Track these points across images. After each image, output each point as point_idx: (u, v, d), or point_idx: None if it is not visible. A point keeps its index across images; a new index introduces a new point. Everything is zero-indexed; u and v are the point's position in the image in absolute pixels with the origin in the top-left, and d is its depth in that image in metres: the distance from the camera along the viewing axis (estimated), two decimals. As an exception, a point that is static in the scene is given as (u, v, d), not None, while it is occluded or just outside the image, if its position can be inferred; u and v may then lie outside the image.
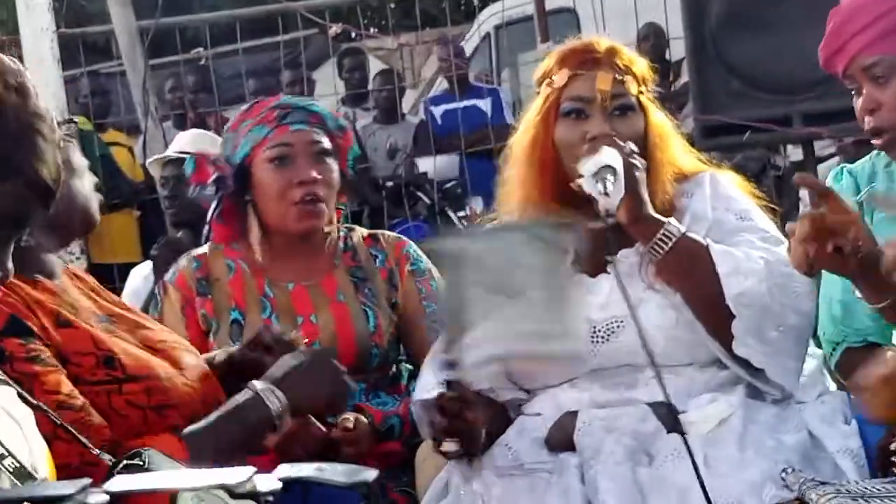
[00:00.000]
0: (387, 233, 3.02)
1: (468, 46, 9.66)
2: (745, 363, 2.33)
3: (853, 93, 2.49)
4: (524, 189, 2.52)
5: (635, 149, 2.40)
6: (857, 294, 2.20)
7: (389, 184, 7.34)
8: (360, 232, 2.96)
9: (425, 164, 7.46)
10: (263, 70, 8.31)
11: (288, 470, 1.43)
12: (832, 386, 2.52)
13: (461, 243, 2.30)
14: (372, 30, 11.19)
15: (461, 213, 7.02)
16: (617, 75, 2.48)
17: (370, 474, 1.47)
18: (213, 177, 2.85)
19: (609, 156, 2.35)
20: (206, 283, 2.85)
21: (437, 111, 7.76)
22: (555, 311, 2.23)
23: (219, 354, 2.49)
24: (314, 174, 2.77)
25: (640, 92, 2.51)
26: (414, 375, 2.80)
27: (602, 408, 2.37)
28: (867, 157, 2.64)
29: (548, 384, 2.46)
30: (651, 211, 2.39)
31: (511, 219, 2.51)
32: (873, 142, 2.49)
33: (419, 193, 7.31)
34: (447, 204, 7.24)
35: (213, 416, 2.15)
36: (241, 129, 2.85)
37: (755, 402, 2.35)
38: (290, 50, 8.13)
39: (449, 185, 7.33)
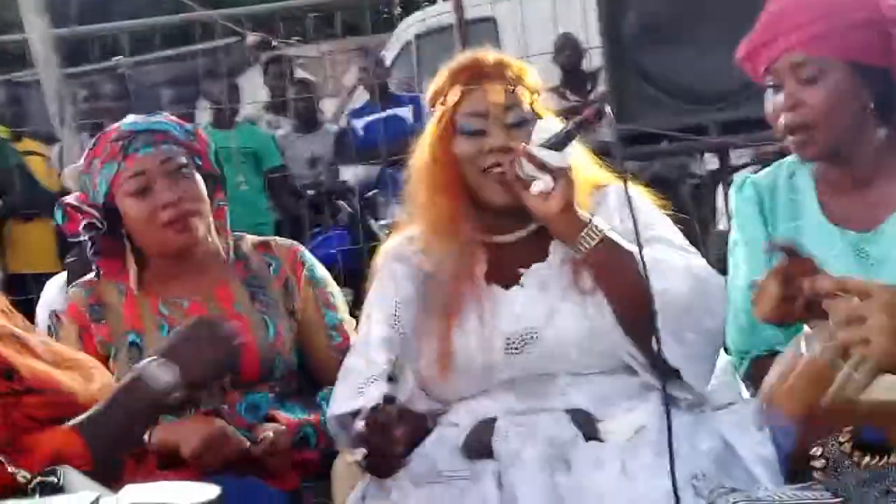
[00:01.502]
0: (278, 239, 2.96)
1: (389, 55, 9.67)
2: (658, 369, 2.34)
3: (769, 89, 2.50)
4: (431, 211, 2.51)
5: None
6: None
7: (310, 192, 7.32)
8: (251, 239, 2.91)
9: (347, 173, 7.45)
10: (183, 79, 8.24)
11: (134, 493, 1.41)
12: (745, 393, 2.54)
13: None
14: (293, 38, 11.14)
15: (383, 222, 7.01)
16: (508, 86, 2.48)
17: (213, 491, 1.46)
18: (83, 223, 2.76)
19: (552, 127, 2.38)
20: (99, 309, 2.79)
21: (359, 123, 7.76)
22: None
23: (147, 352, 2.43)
24: (175, 195, 2.71)
25: (533, 102, 2.51)
26: (313, 385, 2.79)
27: (520, 415, 2.38)
28: (770, 168, 2.68)
29: (463, 395, 2.46)
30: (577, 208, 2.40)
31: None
32: (789, 138, 2.50)
33: (340, 202, 7.30)
34: (369, 213, 7.23)
35: (99, 404, 2.11)
36: (92, 168, 2.79)
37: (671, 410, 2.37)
38: (210, 59, 8.08)
39: (371, 193, 7.32)
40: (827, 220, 2.52)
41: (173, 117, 2.90)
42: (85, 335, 2.77)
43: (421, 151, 2.54)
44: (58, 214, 2.81)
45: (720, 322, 2.41)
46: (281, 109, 8.17)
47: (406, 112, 7.59)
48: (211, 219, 2.81)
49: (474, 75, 2.50)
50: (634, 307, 2.32)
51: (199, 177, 2.79)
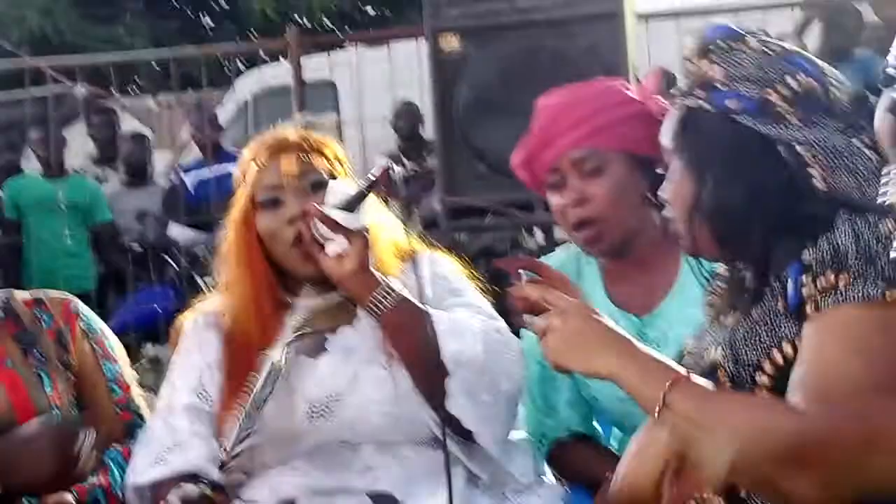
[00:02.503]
0: (50, 292, 2.84)
1: (226, 112, 9.60)
2: (457, 433, 2.34)
3: (551, 192, 2.56)
4: (237, 286, 2.50)
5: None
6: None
7: (137, 247, 7.19)
8: (21, 295, 2.80)
9: (174, 229, 7.34)
10: (9, 125, 8.05)
11: None
12: (549, 475, 2.56)
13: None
14: (130, 88, 11.00)
15: (209, 280, 6.91)
16: (302, 156, 2.49)
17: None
18: None
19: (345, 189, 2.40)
20: None
21: (189, 179, 7.65)
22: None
23: None
24: None
25: (332, 169, 2.52)
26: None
27: (321, 495, 2.34)
28: (559, 250, 2.73)
29: (266, 465, 2.42)
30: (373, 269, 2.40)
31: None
32: (577, 234, 2.56)
33: (167, 258, 7.19)
34: (195, 270, 7.13)
35: None
36: None
37: (474, 492, 2.36)
38: (40, 106, 7.91)
39: (198, 250, 7.23)
40: (612, 303, 2.58)
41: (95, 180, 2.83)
42: None
43: (227, 227, 2.53)
44: None
45: (517, 385, 2.43)
46: (107, 161, 8.03)
47: (238, 170, 7.51)
48: None
49: (273, 149, 2.51)
50: (430, 370, 2.31)
51: None
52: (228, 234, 2.53)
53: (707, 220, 1.85)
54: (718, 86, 1.85)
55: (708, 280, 2.00)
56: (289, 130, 2.56)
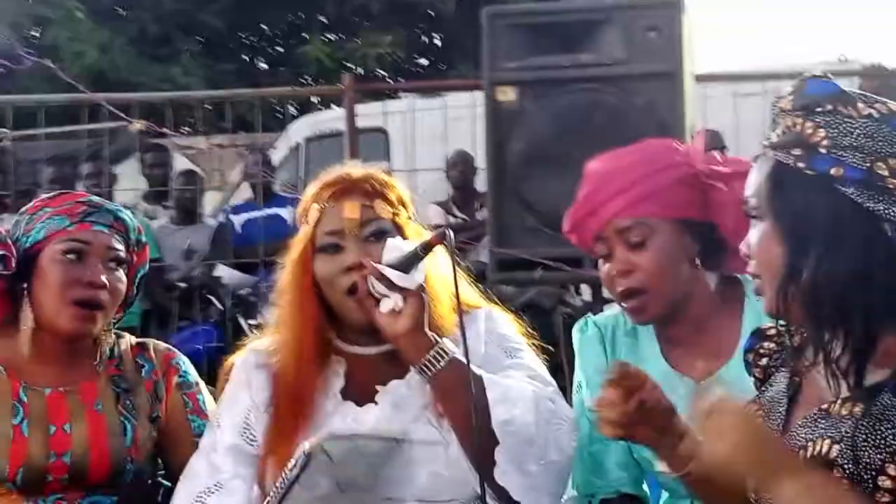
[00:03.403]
0: (156, 342, 2.90)
1: (277, 155, 9.66)
2: (503, 502, 2.30)
3: (600, 259, 2.55)
4: (289, 323, 2.48)
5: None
6: (661, 466, 2.18)
7: (182, 285, 7.21)
8: (129, 340, 2.84)
9: (221, 269, 7.36)
10: (63, 158, 8.12)
11: None
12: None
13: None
14: (183, 128, 11.08)
15: (253, 322, 6.92)
16: (366, 202, 2.46)
17: None
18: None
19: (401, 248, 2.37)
20: None
21: (238, 220, 7.70)
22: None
23: None
24: (102, 279, 2.66)
25: (396, 214, 2.49)
26: (170, 492, 2.69)
27: None
28: (614, 311, 2.70)
29: None
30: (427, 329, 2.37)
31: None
32: (624, 304, 2.54)
33: (212, 297, 7.20)
34: (240, 311, 7.14)
35: None
36: (39, 214, 2.73)
37: None
38: (94, 141, 7.98)
39: (244, 292, 7.24)
40: (669, 366, 2.54)
41: (139, 223, 2.86)
42: None
43: (285, 267, 2.51)
44: None
45: (567, 457, 2.39)
46: (156, 198, 8.07)
47: (287, 213, 7.55)
48: (110, 321, 2.75)
49: (336, 192, 2.48)
50: (478, 437, 2.27)
51: (125, 279, 2.73)
52: (285, 273, 2.50)
53: (802, 293, 1.75)
54: (821, 149, 1.75)
55: (755, 336, 1.92)
56: (354, 169, 2.53)
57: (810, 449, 1.73)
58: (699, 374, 2.54)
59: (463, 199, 8.14)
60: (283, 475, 2.22)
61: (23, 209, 2.82)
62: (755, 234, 1.85)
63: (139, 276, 2.84)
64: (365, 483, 2.25)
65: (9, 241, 2.69)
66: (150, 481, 2.78)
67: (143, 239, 2.85)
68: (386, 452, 2.28)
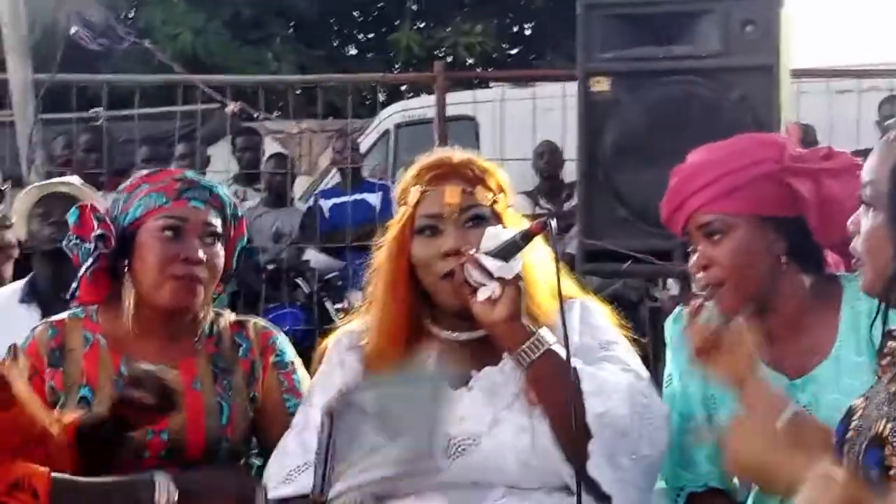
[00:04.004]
0: (255, 320, 2.92)
1: (367, 141, 9.70)
2: (593, 493, 2.31)
3: (690, 250, 2.55)
4: (382, 304, 2.49)
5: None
6: None
7: (271, 267, 7.28)
8: (228, 317, 2.87)
9: (309, 253, 7.42)
10: (158, 138, 8.23)
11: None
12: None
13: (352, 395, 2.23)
14: (274, 113, 11.17)
15: (339, 305, 6.97)
16: (466, 187, 2.47)
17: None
18: (97, 233, 2.71)
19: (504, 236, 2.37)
20: (58, 354, 2.74)
21: (326, 205, 7.75)
22: (422, 437, 2.21)
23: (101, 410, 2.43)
24: (201, 254, 2.69)
25: (495, 201, 2.50)
26: (261, 470, 2.72)
27: None
28: (709, 304, 2.69)
29: (394, 494, 2.41)
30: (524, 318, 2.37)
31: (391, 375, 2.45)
32: (708, 296, 2.54)
33: (299, 280, 7.26)
34: (326, 294, 7.19)
35: (102, 479, 2.07)
36: (137, 191, 2.76)
37: None
38: (187, 122, 8.07)
39: (330, 275, 7.29)
40: (763, 361, 2.53)
41: (236, 198, 2.90)
42: (36, 378, 2.70)
43: (382, 248, 2.52)
44: (73, 213, 2.76)
45: (659, 451, 2.39)
46: (247, 181, 8.15)
47: (374, 199, 7.60)
48: (210, 296, 2.78)
49: (437, 175, 2.49)
50: (571, 426, 2.29)
51: (223, 254, 2.77)
52: (381, 253, 2.52)
53: None
54: None
55: (884, 337, 1.92)
56: (455, 154, 2.54)
57: (872, 430, 1.75)
58: (794, 371, 2.53)
59: (550, 189, 8.14)
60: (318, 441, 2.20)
61: (120, 187, 2.86)
62: (868, 221, 1.83)
63: (238, 249, 2.87)
64: (410, 424, 2.23)
65: (107, 220, 2.74)
66: (243, 459, 2.81)
67: (239, 213, 2.87)
68: (423, 392, 2.26)
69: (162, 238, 2.70)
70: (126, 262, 2.75)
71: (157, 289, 2.71)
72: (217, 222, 2.76)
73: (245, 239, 2.89)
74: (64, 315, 2.82)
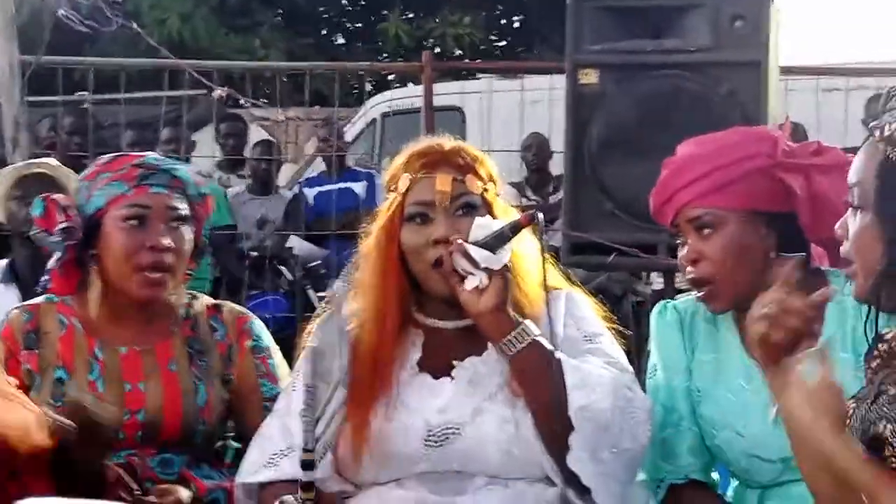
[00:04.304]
0: (230, 305, 2.92)
1: (353, 130, 9.70)
2: (573, 484, 2.31)
3: (679, 243, 2.54)
4: (371, 293, 2.47)
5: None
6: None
7: (254, 254, 7.26)
8: (203, 301, 2.87)
9: (293, 240, 7.40)
10: (143, 123, 8.19)
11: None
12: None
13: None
14: (260, 99, 11.14)
15: (321, 294, 6.96)
16: (457, 175, 2.46)
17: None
18: (61, 225, 2.71)
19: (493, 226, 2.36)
20: (34, 337, 2.74)
21: (311, 193, 7.71)
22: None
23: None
24: (166, 241, 2.68)
25: (485, 190, 2.49)
26: (240, 454, 2.72)
27: None
28: (692, 296, 2.69)
29: (376, 481, 2.41)
30: (510, 309, 2.37)
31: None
32: (695, 293, 2.54)
33: (282, 268, 7.25)
34: (309, 282, 7.17)
35: None
36: (98, 180, 2.75)
37: None
38: (173, 107, 8.04)
39: (313, 263, 7.28)
40: (746, 353, 2.53)
41: (198, 175, 2.88)
42: (11, 360, 2.70)
43: (371, 235, 2.51)
44: (38, 205, 2.75)
45: (640, 445, 2.38)
46: (231, 167, 8.13)
47: (359, 188, 7.58)
48: (180, 279, 2.77)
49: (428, 163, 2.48)
50: (553, 418, 2.29)
51: (190, 235, 2.75)
52: (371, 239, 2.50)
53: None
54: None
55: (874, 340, 1.92)
56: (445, 141, 2.53)
57: (871, 431, 1.75)
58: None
59: (537, 181, 8.14)
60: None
61: (81, 175, 2.86)
62: (855, 222, 1.83)
63: (207, 227, 2.87)
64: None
65: (72, 211, 2.72)
66: (220, 441, 2.81)
67: (203, 190, 2.85)
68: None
69: (126, 227, 2.70)
70: (93, 250, 2.74)
71: (125, 279, 2.71)
72: (181, 205, 2.75)
73: (225, 216, 2.89)
74: (38, 300, 2.81)
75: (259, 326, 2.87)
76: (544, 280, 2.36)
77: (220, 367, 2.78)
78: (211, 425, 2.74)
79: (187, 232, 2.74)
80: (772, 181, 2.51)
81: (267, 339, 2.85)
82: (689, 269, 2.53)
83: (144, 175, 2.73)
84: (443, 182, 2.44)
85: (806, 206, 2.49)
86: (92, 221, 2.72)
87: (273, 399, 2.76)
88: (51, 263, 2.74)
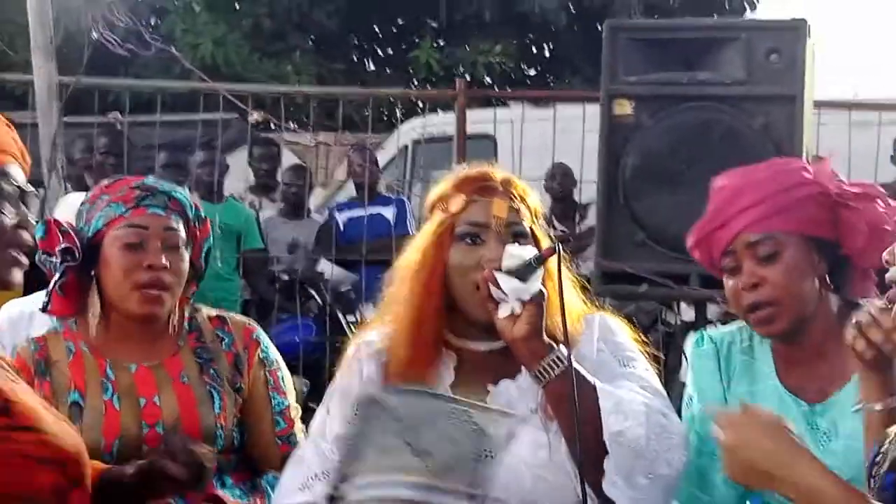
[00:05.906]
0: (234, 315, 2.97)
1: (384, 156, 9.71)
2: None
3: (726, 274, 2.55)
4: (408, 309, 2.48)
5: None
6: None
7: (285, 277, 7.29)
8: (206, 312, 2.92)
9: (324, 264, 7.43)
10: (178, 145, 8.25)
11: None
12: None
13: (381, 395, 2.28)
14: (292, 124, 11.20)
15: (351, 318, 6.98)
16: (513, 203, 2.49)
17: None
18: (61, 247, 2.75)
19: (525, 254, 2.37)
20: (44, 365, 2.78)
21: (342, 217, 7.74)
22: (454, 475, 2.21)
23: (128, 468, 2.35)
24: (163, 261, 2.73)
25: (534, 221, 2.52)
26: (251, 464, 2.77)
27: None
28: (730, 327, 2.70)
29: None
30: (544, 335, 2.38)
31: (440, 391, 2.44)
32: (751, 316, 2.54)
33: (312, 291, 7.28)
34: (339, 307, 7.20)
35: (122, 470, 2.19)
36: (98, 202, 2.81)
37: None
38: (207, 130, 8.10)
39: (344, 289, 7.30)
40: (783, 387, 2.54)
41: (195, 197, 2.92)
42: None
43: (412, 252, 2.52)
44: (39, 228, 2.78)
45: (676, 471, 2.38)
46: (263, 191, 8.17)
47: (389, 213, 7.61)
48: (176, 300, 2.82)
49: (484, 187, 2.50)
50: (587, 443, 2.28)
51: (187, 257, 2.80)
52: (412, 254, 2.51)
53: None
54: None
55: None
56: (495, 171, 2.55)
57: (892, 454, 1.81)
58: (812, 396, 2.53)
59: (563, 210, 8.15)
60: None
61: (83, 198, 2.91)
62: None
63: (205, 249, 2.91)
64: (445, 440, 2.22)
65: (72, 233, 2.77)
66: (239, 450, 2.85)
67: (201, 214, 2.90)
68: (466, 418, 2.24)
69: (124, 248, 2.76)
70: (93, 272, 2.79)
71: (123, 298, 2.76)
72: (179, 226, 2.80)
73: (211, 239, 2.92)
74: (43, 331, 2.89)
75: (266, 339, 2.92)
76: (563, 315, 2.36)
77: (229, 374, 2.82)
78: (228, 430, 2.77)
79: (185, 253, 2.80)
80: (820, 208, 2.52)
81: (273, 352, 2.90)
82: (746, 294, 2.52)
83: (142, 196, 2.79)
84: (500, 207, 2.47)
85: (859, 234, 2.50)
86: (92, 243, 2.78)
87: (282, 413, 2.80)
88: (51, 285, 2.79)
